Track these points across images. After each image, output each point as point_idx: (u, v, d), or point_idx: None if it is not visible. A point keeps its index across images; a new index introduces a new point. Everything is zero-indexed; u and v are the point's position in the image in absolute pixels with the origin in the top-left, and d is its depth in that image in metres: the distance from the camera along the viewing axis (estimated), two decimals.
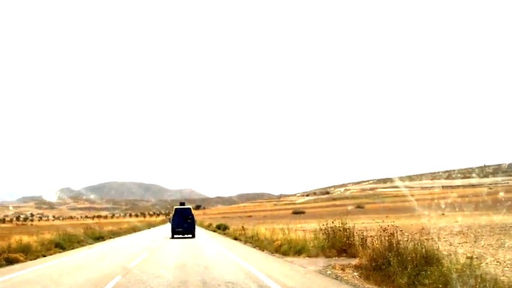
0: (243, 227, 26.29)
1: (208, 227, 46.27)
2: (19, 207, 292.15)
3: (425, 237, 8.09)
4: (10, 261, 13.20)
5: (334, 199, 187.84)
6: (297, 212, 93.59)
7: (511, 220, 22.42)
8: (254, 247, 17.31)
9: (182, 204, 28.63)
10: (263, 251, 15.46)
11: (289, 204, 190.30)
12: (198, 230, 29.55)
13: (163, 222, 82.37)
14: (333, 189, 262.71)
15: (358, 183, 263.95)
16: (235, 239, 23.44)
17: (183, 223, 26.16)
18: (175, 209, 27.08)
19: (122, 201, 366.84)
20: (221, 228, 35.16)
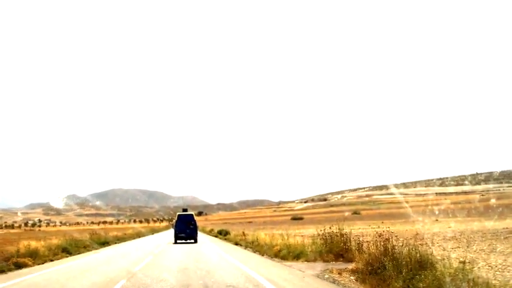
0: (243, 232, 26.19)
1: (210, 233, 46.06)
2: (27, 213, 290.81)
3: (419, 243, 8.08)
4: (19, 266, 13.13)
5: (331, 205, 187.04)
6: (296, 218, 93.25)
7: (502, 226, 22.35)
8: (254, 252, 17.23)
9: (185, 210, 28.53)
10: (263, 255, 15.38)
11: (288, 210, 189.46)
12: (200, 235, 29.42)
13: (166, 228, 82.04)
14: (330, 196, 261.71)
15: (355, 190, 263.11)
16: (236, 244, 23.33)
17: (185, 229, 26.04)
18: (178, 215, 26.97)
19: (127, 208, 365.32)
20: (222, 234, 35.00)
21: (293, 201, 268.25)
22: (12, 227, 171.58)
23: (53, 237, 22.78)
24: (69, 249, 18.90)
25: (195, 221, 26.76)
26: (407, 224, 28.39)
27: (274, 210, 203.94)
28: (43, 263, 14.55)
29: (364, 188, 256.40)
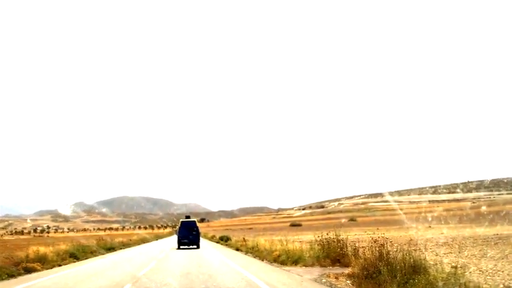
0: (244, 238, 26.08)
1: (211, 239, 45.79)
2: (36, 220, 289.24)
3: (413, 248, 8.06)
4: (28, 270, 13.06)
5: (328, 212, 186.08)
6: (295, 225, 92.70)
7: (492, 232, 22.25)
8: (254, 257, 17.13)
9: (187, 217, 28.42)
10: (263, 260, 15.30)
11: (287, 217, 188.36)
12: (202, 241, 29.25)
13: (170, 234, 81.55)
14: (327, 203, 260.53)
15: (351, 197, 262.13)
16: (237, 249, 23.19)
17: (188, 235, 25.92)
18: (181, 221, 26.88)
19: (132, 215, 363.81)
20: (224, 240, 34.80)
21: (292, 208, 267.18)
22: (21, 233, 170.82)
23: (60, 243, 22.65)
24: (77, 254, 18.79)
25: (197, 227, 26.66)
26: (402, 230, 28.24)
27: (274, 217, 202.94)
28: (51, 268, 14.47)
29: (360, 196, 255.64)
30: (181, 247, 25.88)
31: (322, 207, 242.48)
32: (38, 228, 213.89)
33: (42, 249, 16.36)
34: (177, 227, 28.14)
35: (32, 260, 14.31)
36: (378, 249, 8.24)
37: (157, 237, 64.78)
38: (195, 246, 25.81)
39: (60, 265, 15.49)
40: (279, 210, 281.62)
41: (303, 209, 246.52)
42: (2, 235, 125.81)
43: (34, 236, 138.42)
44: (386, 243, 8.33)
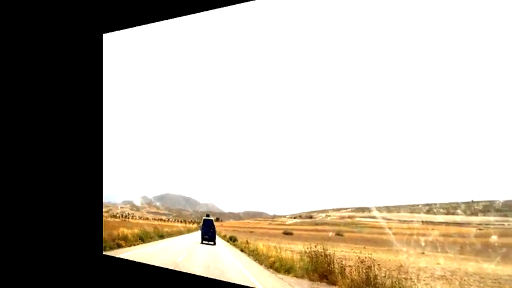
0: (247, 241, 27.15)
1: (223, 238, 45.93)
2: (122, 207, 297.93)
3: (403, 276, 7.13)
4: (119, 246, 15.49)
5: (316, 224, 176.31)
6: (287, 233, 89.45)
7: (506, 272, 15.24)
8: (254, 260, 17.87)
9: (207, 215, 29.74)
10: (261, 264, 16.01)
11: (280, 224, 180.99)
12: (217, 239, 30.37)
13: (196, 229, 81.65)
14: (316, 213, 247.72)
15: (338, 210, 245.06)
16: (242, 250, 24.01)
17: (208, 232, 27.06)
18: (204, 219, 28.11)
19: (173, 210, 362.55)
20: (232, 240, 35.43)
21: (285, 216, 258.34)
22: (115, 216, 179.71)
23: (134, 227, 24.89)
24: (143, 238, 21.05)
25: (214, 226, 27.77)
26: (390, 253, 25.15)
27: (270, 223, 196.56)
28: (129, 246, 16.72)
29: (346, 209, 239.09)
30: (203, 242, 27.29)
31: (311, 217, 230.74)
32: (124, 214, 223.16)
33: (125, 231, 18.81)
34: (201, 223, 29.55)
35: (120, 238, 16.83)
36: (365, 271, 7.50)
37: (189, 230, 64.78)
38: (212, 243, 27.05)
39: (134, 245, 17.72)
40: (274, 216, 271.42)
41: (294, 218, 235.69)
42: (106, 217, 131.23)
43: (121, 220, 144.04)
44: (374, 265, 7.52)
